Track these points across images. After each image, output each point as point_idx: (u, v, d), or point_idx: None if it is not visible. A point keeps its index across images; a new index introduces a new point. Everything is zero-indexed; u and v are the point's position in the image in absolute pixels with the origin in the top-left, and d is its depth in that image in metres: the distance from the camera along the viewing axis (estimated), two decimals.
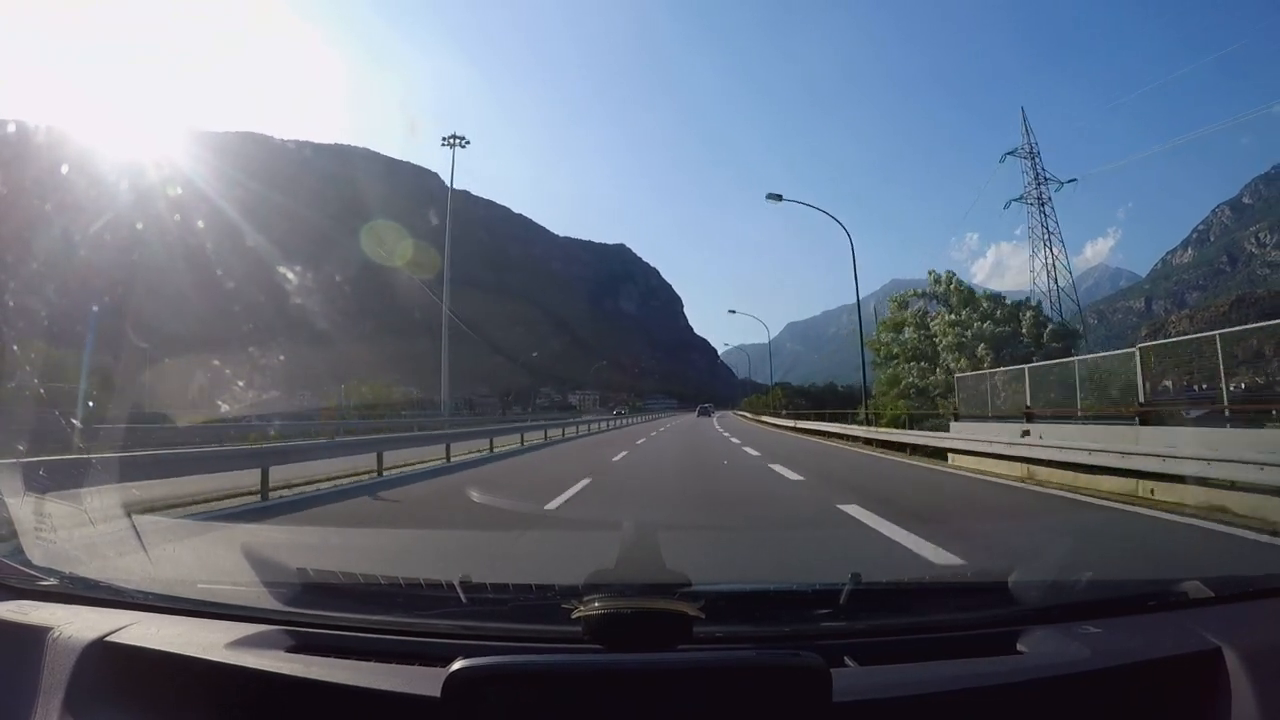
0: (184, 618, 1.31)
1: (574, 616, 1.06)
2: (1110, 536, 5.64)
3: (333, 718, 1.02)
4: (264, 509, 7.30)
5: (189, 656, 1.12)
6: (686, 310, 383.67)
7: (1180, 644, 1.12)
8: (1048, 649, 1.12)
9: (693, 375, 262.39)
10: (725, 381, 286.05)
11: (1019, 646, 1.14)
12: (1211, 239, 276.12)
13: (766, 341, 51.55)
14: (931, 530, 5.30)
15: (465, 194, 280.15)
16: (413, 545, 5.48)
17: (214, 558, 3.91)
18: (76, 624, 1.22)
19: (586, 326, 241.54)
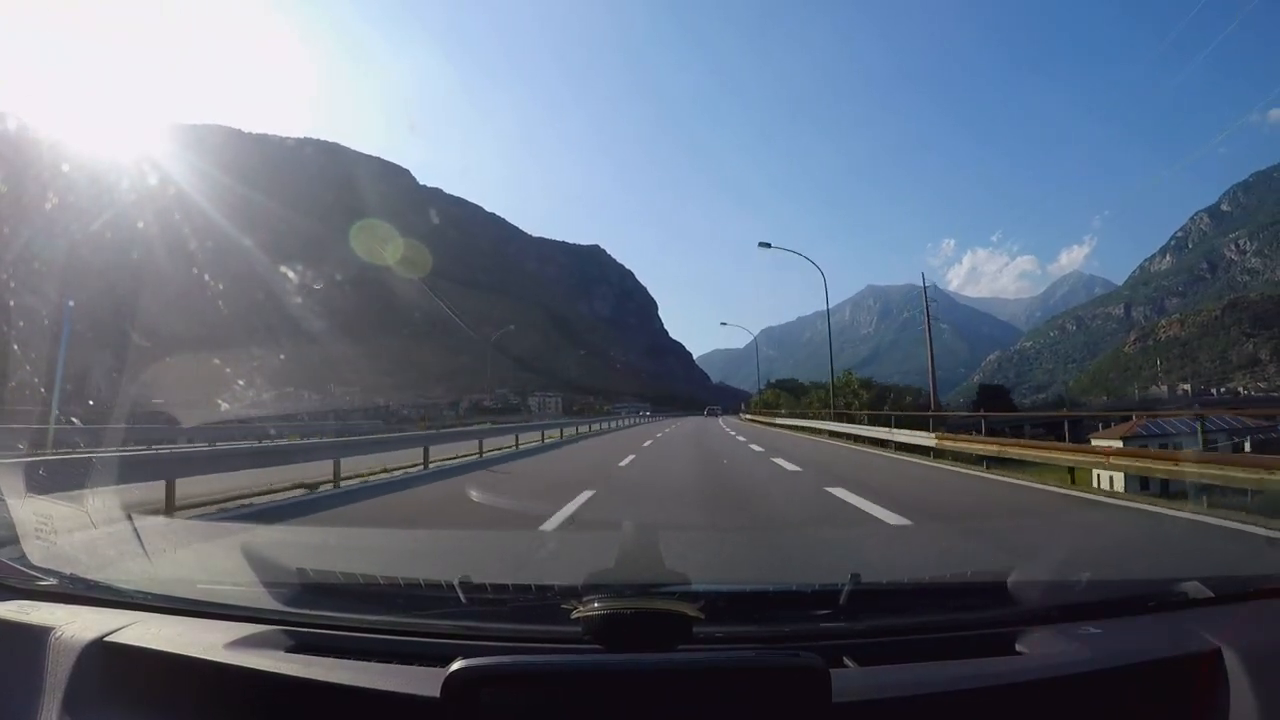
0: (183, 618, 1.31)
1: (573, 617, 1.07)
2: None
3: (332, 718, 1.02)
4: None
5: (188, 657, 1.12)
6: (662, 314, 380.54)
7: (1180, 644, 1.12)
8: (1047, 650, 1.12)
9: (668, 379, 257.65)
10: (701, 385, 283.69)
11: (1018, 647, 1.15)
12: (1190, 246, 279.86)
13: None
14: None
15: (437, 191, 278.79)
16: (412, 545, 5.47)
17: (214, 558, 3.90)
18: (76, 624, 1.22)
19: (559, 328, 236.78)
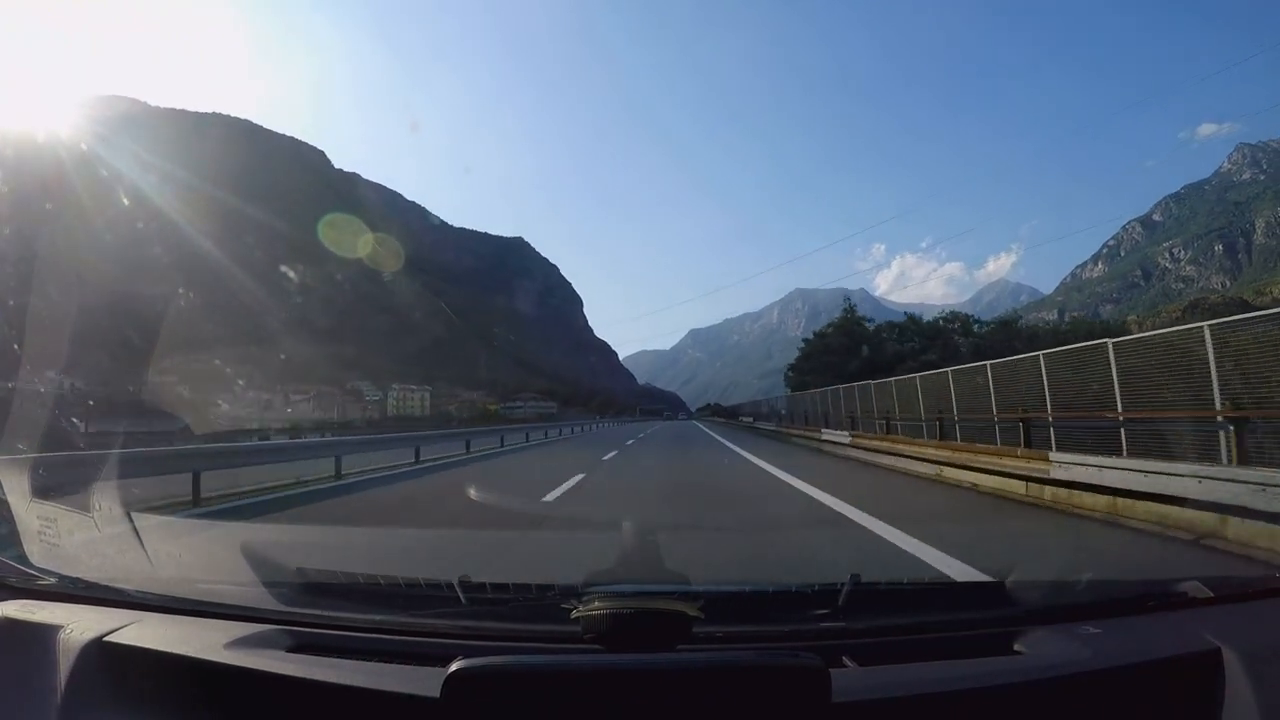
0: (183, 617, 1.31)
1: (573, 616, 1.07)
2: None
3: (332, 718, 1.02)
4: None
5: (188, 656, 1.12)
6: (587, 311, 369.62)
7: (1180, 644, 1.12)
8: (1047, 649, 1.12)
9: (589, 377, 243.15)
10: (625, 386, 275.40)
11: (1018, 647, 1.14)
12: (1122, 254, 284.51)
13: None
14: None
15: (355, 176, 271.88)
16: (412, 545, 5.47)
17: (214, 557, 3.91)
18: (75, 624, 1.23)
19: (471, 321, 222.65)
